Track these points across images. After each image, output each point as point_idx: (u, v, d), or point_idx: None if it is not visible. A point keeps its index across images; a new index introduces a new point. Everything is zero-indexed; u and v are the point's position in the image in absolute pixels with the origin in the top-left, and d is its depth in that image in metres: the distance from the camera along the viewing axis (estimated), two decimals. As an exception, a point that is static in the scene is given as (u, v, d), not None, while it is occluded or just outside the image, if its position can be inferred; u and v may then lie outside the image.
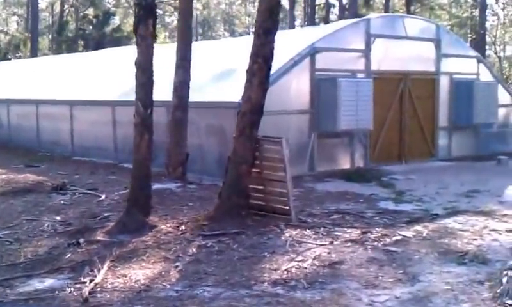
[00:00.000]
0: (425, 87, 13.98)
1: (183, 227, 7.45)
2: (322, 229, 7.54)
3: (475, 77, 14.85)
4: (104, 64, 17.75)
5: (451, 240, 7.16)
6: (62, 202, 9.34)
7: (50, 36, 40.86)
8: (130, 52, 17.40)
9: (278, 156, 7.80)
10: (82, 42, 35.82)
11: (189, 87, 10.71)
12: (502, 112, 15.28)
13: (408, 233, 7.43)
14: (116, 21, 39.49)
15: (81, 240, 6.98)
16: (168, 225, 7.54)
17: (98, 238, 7.09)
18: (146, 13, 7.31)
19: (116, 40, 32.22)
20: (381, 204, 9.43)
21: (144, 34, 7.39)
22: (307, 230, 7.46)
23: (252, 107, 7.71)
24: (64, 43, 34.72)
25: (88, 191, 10.07)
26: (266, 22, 7.61)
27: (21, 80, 20.09)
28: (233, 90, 11.51)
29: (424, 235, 7.37)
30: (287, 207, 7.90)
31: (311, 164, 12.06)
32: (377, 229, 7.60)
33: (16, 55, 37.72)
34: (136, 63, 7.51)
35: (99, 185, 10.68)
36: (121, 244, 6.82)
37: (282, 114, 11.59)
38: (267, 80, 7.81)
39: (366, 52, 12.83)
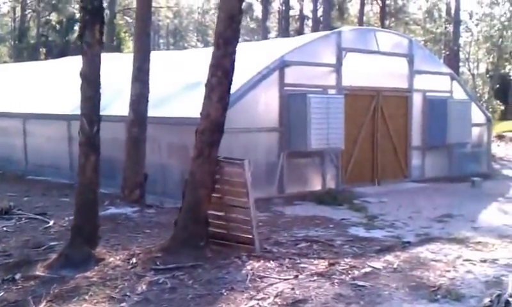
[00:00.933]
0: (398, 104, 13.56)
1: (134, 260, 6.74)
2: (287, 260, 6.92)
3: (448, 94, 14.50)
4: (63, 74, 16.82)
5: (423, 272, 6.61)
6: (5, 229, 8.53)
7: (12, 43, 39.24)
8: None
9: (240, 179, 7.18)
10: (44, 49, 34.27)
11: (147, 101, 10.02)
12: (475, 131, 14.94)
13: (378, 264, 6.87)
14: (81, 27, 37.76)
15: (18, 276, 6.23)
16: (118, 257, 6.83)
17: (37, 273, 6.34)
18: (93, 18, 6.61)
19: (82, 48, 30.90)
20: (351, 230, 8.89)
21: (91, 42, 6.70)
22: (271, 262, 6.84)
23: (211, 125, 7.09)
24: (25, 50, 33.12)
25: (36, 216, 9.28)
26: (226, 31, 7.00)
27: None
28: (197, 105, 10.84)
29: (395, 266, 6.80)
30: (250, 236, 7.27)
31: (280, 186, 11.48)
32: (345, 259, 7.02)
33: (-25, 62, 36.20)
34: (80, 74, 6.82)
35: (49, 208, 9.89)
36: (62, 281, 6.09)
37: (249, 132, 11.02)
38: (227, 95, 7.19)
39: (337, 67, 12.34)
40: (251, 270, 6.54)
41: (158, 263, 6.58)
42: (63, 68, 17.70)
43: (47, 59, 28.91)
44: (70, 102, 13.82)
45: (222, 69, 7.07)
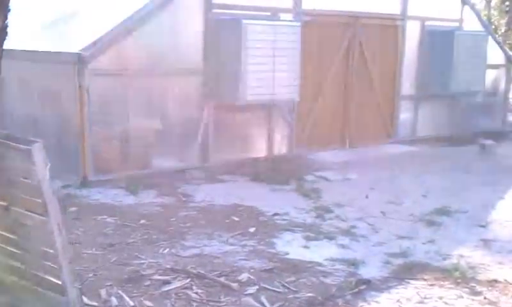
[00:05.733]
0: (384, 37, 9.81)
1: None
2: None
3: (456, 24, 10.72)
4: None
5: None
6: None
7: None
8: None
9: (28, 180, 3.70)
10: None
11: (5, 33, 6.35)
12: (490, 75, 11.21)
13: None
14: None
15: None
16: None
17: None
18: None
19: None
20: (281, 241, 5.49)
21: None
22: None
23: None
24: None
25: None
26: None
27: None
28: (73, 38, 7.45)
29: None
30: (59, 281, 3.86)
31: (203, 153, 7.99)
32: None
33: None
34: None
35: None
36: None
37: (154, 75, 7.47)
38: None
39: (295, -18, 8.62)
40: None
41: None
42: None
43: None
44: None
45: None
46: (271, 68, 7.81)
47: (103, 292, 4.19)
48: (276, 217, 6.16)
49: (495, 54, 11.24)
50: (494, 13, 20.40)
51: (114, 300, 4.11)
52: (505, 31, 18.89)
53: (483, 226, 6.07)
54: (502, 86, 11.74)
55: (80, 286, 4.11)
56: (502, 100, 11.75)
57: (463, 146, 10.17)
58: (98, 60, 7.01)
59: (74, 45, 7.07)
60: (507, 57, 11.72)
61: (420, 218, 6.27)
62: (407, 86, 10.21)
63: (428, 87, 10.33)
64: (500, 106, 11.72)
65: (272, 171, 7.85)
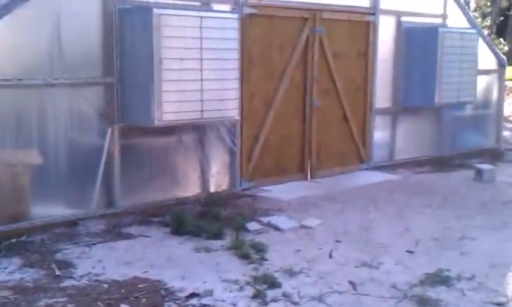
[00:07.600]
0: (352, 36, 7.76)
1: None
2: None
3: (439, 20, 8.76)
4: None
5: None
6: None
7: None
8: None
9: None
10: None
11: None
12: (482, 82, 9.25)
13: None
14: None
15: None
16: None
17: None
18: None
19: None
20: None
21: None
22: None
23: None
24: None
25: None
26: None
27: None
28: None
29: None
30: None
31: (106, 195, 5.80)
32: None
33: None
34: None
35: None
36: None
37: (30, 88, 5.28)
38: None
39: (234, -36, 6.54)
40: None
41: None
42: None
43: None
44: None
45: None
46: (198, 75, 5.70)
47: None
48: (191, 302, 4.02)
49: (484, 57, 9.29)
50: (475, 14, 18.65)
51: None
52: (488, 35, 17.13)
53: (501, 305, 4.01)
54: (495, 95, 9.79)
55: None
56: (495, 112, 9.79)
57: (453, 171, 8.17)
58: None
59: None
60: (499, 61, 9.80)
61: (406, 292, 4.19)
62: (382, 97, 8.16)
63: (407, 99, 8.33)
64: (493, 120, 9.75)
65: (202, 218, 5.72)
